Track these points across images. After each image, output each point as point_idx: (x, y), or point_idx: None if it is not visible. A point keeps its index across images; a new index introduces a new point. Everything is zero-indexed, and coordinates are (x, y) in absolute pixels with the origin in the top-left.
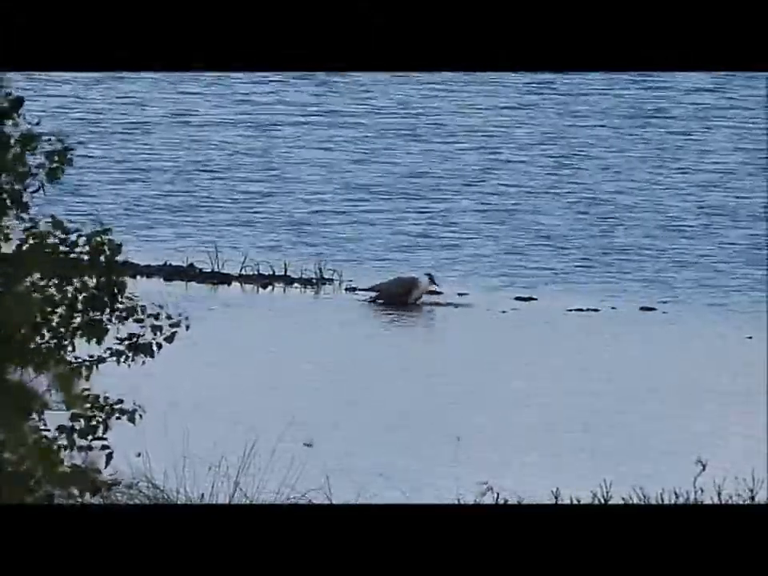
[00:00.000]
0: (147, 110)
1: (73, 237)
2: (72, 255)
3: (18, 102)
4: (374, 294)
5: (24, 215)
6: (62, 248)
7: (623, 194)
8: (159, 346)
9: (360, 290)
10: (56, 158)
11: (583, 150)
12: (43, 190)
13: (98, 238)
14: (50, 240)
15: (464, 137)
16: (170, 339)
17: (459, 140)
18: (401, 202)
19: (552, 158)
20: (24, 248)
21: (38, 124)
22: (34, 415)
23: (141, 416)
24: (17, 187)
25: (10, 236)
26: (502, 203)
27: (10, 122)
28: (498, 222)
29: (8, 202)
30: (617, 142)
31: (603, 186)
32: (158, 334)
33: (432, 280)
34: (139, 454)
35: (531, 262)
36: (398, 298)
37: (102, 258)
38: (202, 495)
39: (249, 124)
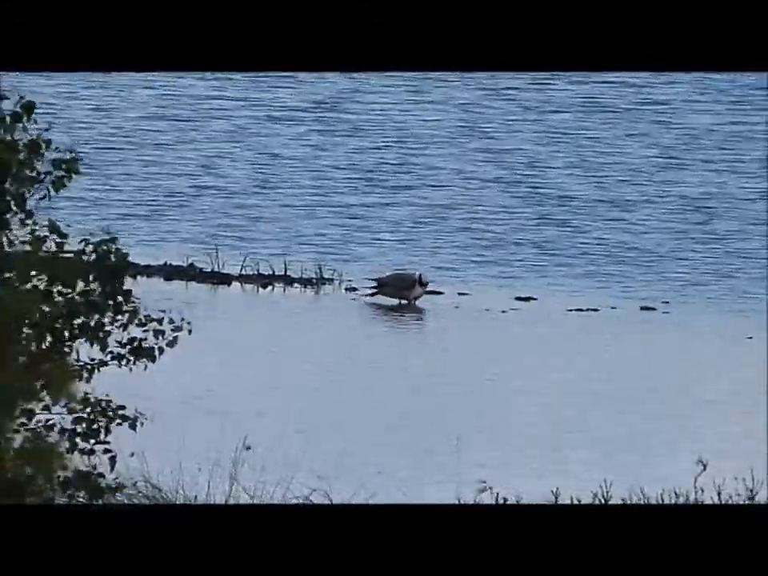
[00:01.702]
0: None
1: (80, 245)
2: (77, 261)
3: (29, 106)
4: (374, 288)
5: (28, 221)
6: (60, 251)
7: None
8: (161, 351)
9: (364, 286)
10: (63, 167)
11: (522, 145)
12: (49, 198)
13: (105, 246)
14: (48, 244)
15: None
16: (171, 344)
17: (386, 136)
18: (342, 196)
19: (491, 153)
20: (26, 252)
21: (47, 130)
22: (30, 418)
23: (142, 423)
24: (22, 191)
25: (15, 241)
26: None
27: (20, 126)
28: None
29: (13, 206)
30: (544, 137)
31: (557, 182)
32: (161, 338)
33: (422, 280)
34: (132, 454)
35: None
36: (399, 292)
37: (108, 264)
38: (199, 495)
39: (178, 119)
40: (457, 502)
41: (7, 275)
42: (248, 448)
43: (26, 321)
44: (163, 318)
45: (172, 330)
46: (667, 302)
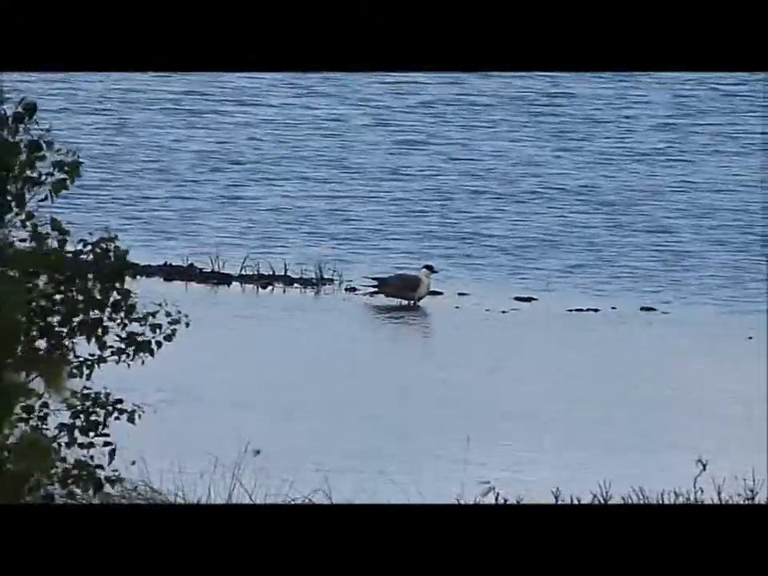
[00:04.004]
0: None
1: (79, 245)
2: (77, 259)
3: (32, 107)
4: (375, 289)
5: (28, 222)
6: (62, 249)
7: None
8: (159, 344)
9: (364, 285)
10: (65, 169)
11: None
12: (51, 199)
13: (104, 245)
14: (49, 241)
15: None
16: (169, 338)
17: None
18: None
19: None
20: (27, 250)
21: (48, 131)
22: (29, 414)
23: (140, 416)
24: (23, 192)
25: (15, 242)
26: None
27: (21, 127)
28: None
29: (13, 206)
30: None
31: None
32: (158, 332)
33: (431, 269)
34: (134, 462)
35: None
36: (401, 293)
37: (107, 262)
38: (200, 496)
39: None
40: (457, 502)
41: (9, 273)
42: (257, 452)
43: (24, 318)
44: (158, 312)
45: (169, 323)
46: (667, 302)
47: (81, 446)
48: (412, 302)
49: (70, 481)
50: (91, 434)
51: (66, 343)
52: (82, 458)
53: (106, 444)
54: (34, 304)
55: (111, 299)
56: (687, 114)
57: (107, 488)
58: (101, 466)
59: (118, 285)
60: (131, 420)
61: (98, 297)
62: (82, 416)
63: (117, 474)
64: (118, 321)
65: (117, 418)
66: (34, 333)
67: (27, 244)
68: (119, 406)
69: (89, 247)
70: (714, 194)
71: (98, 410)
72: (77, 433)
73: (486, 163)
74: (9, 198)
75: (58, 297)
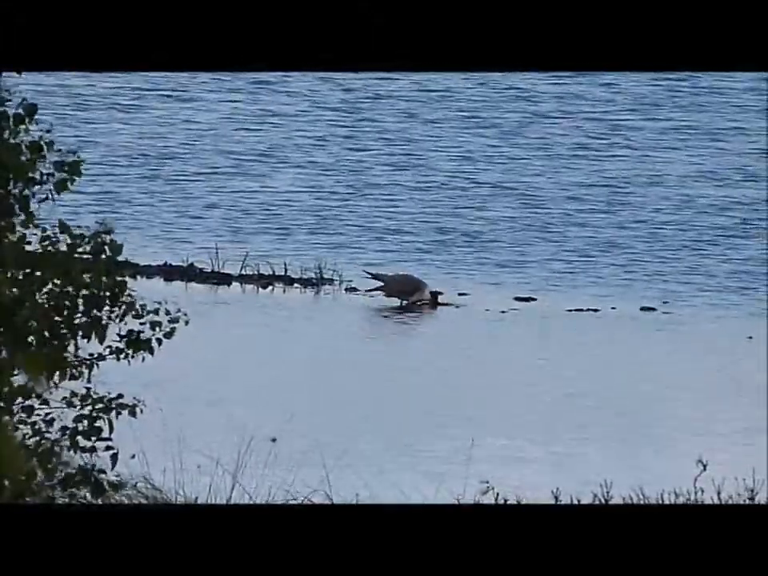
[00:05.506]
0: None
1: (76, 239)
2: (75, 254)
3: (32, 108)
4: (377, 285)
5: (30, 223)
6: (66, 249)
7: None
8: (159, 342)
9: (367, 275)
10: (66, 169)
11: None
12: (52, 199)
13: (100, 238)
14: (59, 245)
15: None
16: (169, 335)
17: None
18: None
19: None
20: (32, 251)
21: (49, 132)
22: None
23: (141, 410)
24: (25, 193)
25: (24, 243)
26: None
27: (22, 128)
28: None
29: (16, 208)
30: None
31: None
32: (158, 329)
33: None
34: (134, 456)
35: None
36: (401, 294)
37: (103, 257)
38: (198, 497)
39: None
40: (457, 502)
41: (8, 273)
42: (273, 440)
43: (23, 314)
44: (159, 309)
45: (168, 321)
46: (667, 302)
47: (83, 449)
48: (411, 302)
49: (71, 484)
50: (93, 438)
51: (67, 342)
52: (84, 464)
53: (108, 448)
54: (38, 302)
55: (109, 293)
56: (636, 110)
57: (109, 492)
58: (103, 471)
59: (115, 278)
60: (133, 414)
61: (96, 291)
62: (85, 420)
63: (119, 478)
64: (116, 315)
65: (119, 413)
66: (39, 332)
67: (32, 245)
68: (119, 401)
69: (86, 240)
70: (661, 189)
71: (99, 413)
72: (79, 437)
73: (432, 158)
74: (11, 200)
75: (60, 295)
